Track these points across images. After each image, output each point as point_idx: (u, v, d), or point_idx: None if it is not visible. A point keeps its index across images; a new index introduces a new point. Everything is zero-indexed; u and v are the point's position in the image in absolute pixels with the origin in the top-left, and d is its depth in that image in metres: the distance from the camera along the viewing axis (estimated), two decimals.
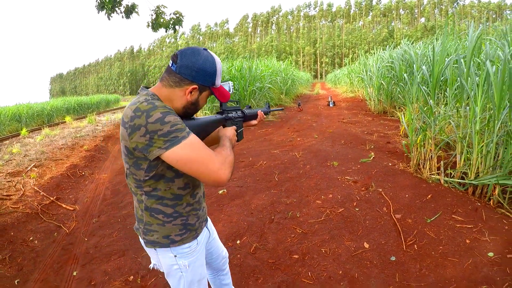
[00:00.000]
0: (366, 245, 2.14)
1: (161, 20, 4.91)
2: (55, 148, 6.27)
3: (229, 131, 1.12)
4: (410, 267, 1.90)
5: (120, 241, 2.59)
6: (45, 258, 2.47)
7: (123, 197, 3.55)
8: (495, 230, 2.10)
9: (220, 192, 3.20)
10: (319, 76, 67.31)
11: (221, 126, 1.17)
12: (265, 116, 1.38)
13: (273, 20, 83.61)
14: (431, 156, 3.02)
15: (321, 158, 3.90)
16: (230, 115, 1.19)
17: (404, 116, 3.84)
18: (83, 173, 4.74)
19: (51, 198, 3.61)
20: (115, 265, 2.24)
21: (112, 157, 5.94)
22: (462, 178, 2.77)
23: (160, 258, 1.06)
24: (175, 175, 0.97)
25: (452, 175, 2.87)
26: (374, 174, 3.18)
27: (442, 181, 2.82)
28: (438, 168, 2.98)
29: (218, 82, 1.00)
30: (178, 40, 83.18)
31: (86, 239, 2.70)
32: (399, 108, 6.67)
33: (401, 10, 71.82)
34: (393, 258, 1.99)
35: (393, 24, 71.49)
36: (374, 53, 9.27)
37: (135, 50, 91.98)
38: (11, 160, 5.28)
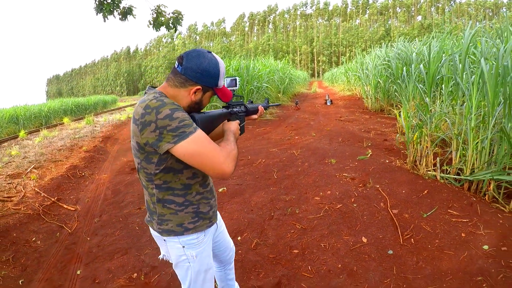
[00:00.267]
0: (364, 240, 2.19)
1: (162, 19, 4.94)
2: (54, 149, 6.28)
3: (233, 125, 1.18)
4: (407, 260, 1.95)
5: (123, 239, 2.62)
6: (48, 258, 2.49)
7: (124, 196, 3.58)
8: (490, 224, 2.15)
9: (220, 190, 3.24)
10: (316, 74, 67.39)
11: (226, 120, 1.24)
12: (264, 110, 1.45)
13: (270, 19, 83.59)
14: (428, 152, 3.08)
15: (319, 155, 3.95)
16: (234, 109, 1.26)
17: (401, 114, 3.90)
18: (83, 174, 4.76)
19: (52, 199, 3.63)
20: (119, 263, 2.27)
21: (112, 157, 5.96)
22: (458, 174, 2.82)
23: (169, 249, 1.11)
24: (184, 166, 1.02)
25: (448, 171, 2.93)
26: (371, 171, 3.23)
27: (438, 177, 2.88)
28: (434, 165, 3.04)
29: (221, 83, 1.07)
30: (175, 40, 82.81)
31: (88, 239, 2.73)
32: (396, 106, 6.73)
33: (398, 8, 72.00)
34: (390, 252, 2.04)
35: (390, 22, 71.67)
36: (371, 51, 9.33)
37: (131, 51, 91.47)
38: (10, 162, 5.29)
